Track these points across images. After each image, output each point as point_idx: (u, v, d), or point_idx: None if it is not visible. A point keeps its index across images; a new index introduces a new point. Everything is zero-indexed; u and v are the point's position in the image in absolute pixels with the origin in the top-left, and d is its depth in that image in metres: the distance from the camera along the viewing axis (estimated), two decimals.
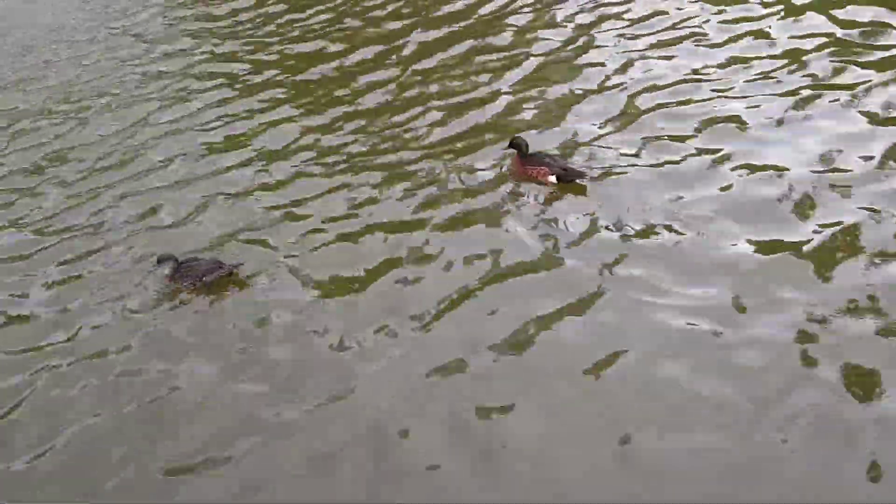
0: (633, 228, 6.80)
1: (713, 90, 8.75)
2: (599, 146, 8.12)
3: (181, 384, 6.03)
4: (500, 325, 5.97)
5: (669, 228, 6.73)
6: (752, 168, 7.32)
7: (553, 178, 7.46)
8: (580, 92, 9.28)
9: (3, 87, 12.47)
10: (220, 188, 8.63)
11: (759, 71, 8.94)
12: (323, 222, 7.71)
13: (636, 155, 7.87)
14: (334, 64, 11.21)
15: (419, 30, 11.73)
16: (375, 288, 6.70)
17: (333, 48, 11.72)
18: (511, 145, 7.81)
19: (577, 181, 7.45)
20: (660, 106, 8.64)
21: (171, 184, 8.92)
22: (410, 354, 5.89)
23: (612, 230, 6.82)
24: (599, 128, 8.45)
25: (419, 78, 10.38)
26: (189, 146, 9.66)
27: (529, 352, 5.72)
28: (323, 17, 12.98)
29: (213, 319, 6.70)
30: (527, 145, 7.73)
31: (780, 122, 7.96)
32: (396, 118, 9.50)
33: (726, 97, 8.57)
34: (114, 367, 6.32)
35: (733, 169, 7.37)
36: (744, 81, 8.81)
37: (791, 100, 8.26)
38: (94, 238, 8.14)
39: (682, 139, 7.98)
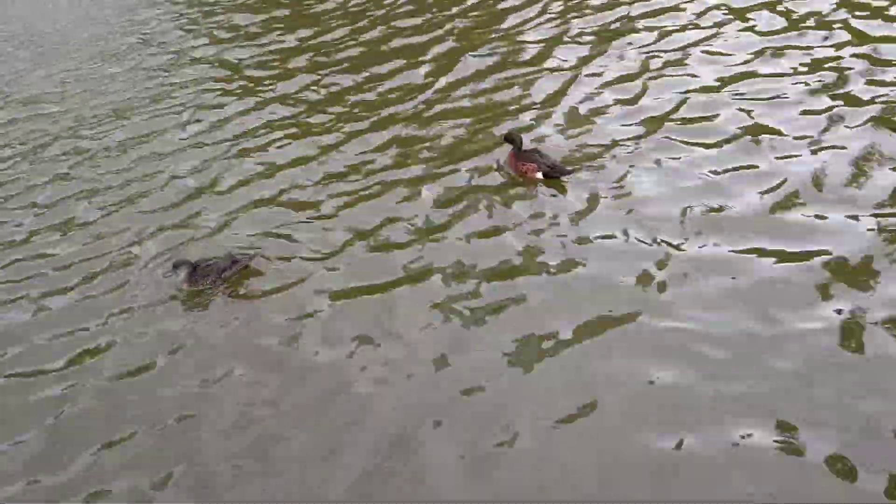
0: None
1: (729, 103, 9.17)
2: (604, 148, 8.79)
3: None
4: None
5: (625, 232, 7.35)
6: (759, 181, 7.69)
7: (540, 175, 8.19)
8: (594, 100, 9.91)
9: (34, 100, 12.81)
10: (249, 198, 9.11)
11: (783, 91, 9.27)
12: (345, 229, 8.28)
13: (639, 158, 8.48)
14: (360, 79, 11.69)
15: (445, 42, 12.28)
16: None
17: (360, 63, 12.22)
18: (506, 139, 8.52)
19: (562, 178, 8.18)
20: (673, 118, 9.15)
21: (192, 195, 9.40)
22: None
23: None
24: (608, 133, 9.08)
25: (441, 91, 10.96)
26: (215, 160, 10.07)
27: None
28: (351, 30, 13.53)
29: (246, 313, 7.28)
30: (521, 140, 8.44)
31: (799, 140, 8.15)
32: (418, 130, 10.04)
33: (741, 110, 9.01)
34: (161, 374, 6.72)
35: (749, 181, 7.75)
36: (764, 97, 9.16)
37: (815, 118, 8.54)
38: (116, 250, 8.60)
39: (690, 148, 8.55)
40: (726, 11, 11.44)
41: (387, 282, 7.15)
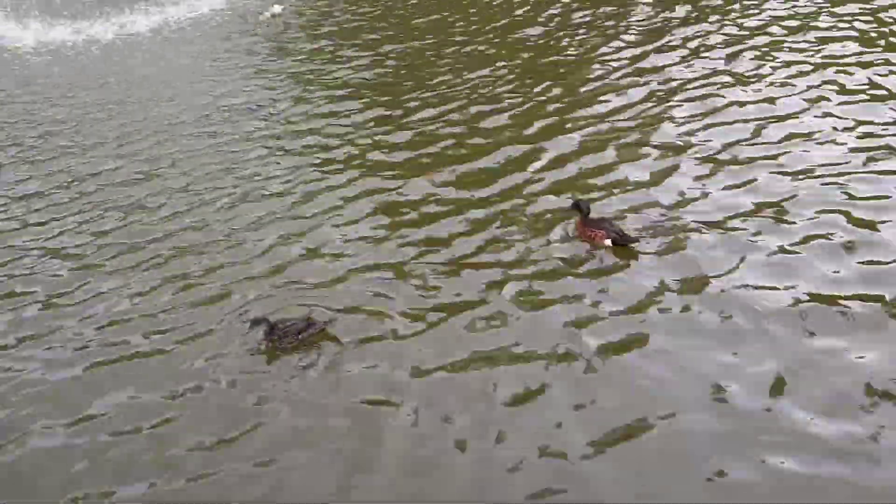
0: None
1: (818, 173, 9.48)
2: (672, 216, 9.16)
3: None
4: None
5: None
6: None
7: (608, 242, 8.40)
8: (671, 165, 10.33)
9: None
10: (342, 267, 9.48)
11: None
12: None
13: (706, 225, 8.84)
14: (460, 153, 12.02)
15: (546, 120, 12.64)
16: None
17: (459, 140, 12.49)
18: (573, 207, 8.80)
19: (630, 246, 8.36)
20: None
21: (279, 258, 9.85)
22: None
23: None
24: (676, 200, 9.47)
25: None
26: (312, 229, 10.42)
27: None
28: (448, 108, 13.78)
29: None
30: (588, 208, 8.69)
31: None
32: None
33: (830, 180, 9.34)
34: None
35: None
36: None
37: None
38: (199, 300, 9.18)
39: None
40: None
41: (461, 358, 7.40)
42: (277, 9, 20.65)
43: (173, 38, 19.98)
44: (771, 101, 11.95)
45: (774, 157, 10.31)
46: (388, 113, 13.87)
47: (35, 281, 10.02)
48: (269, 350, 8.09)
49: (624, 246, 8.41)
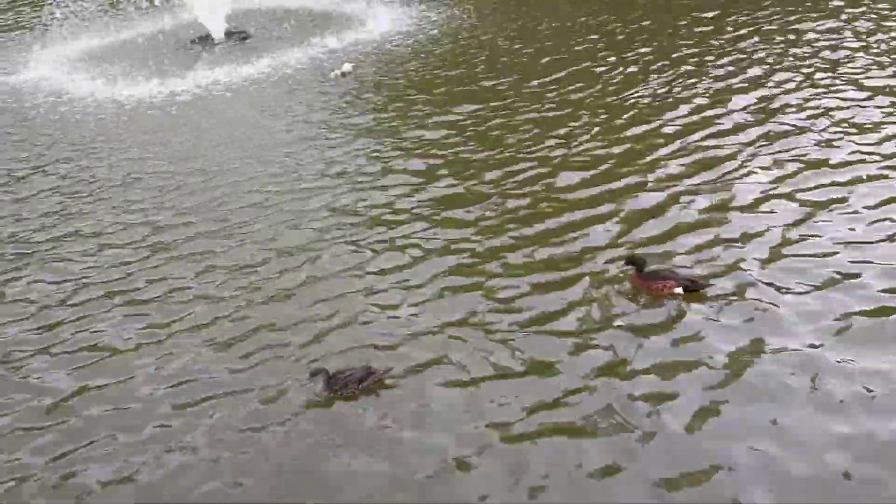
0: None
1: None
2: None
3: None
4: None
5: None
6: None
7: (679, 290, 8.15)
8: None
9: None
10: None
11: None
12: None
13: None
14: (550, 227, 11.50)
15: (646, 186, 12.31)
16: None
17: (547, 213, 12.05)
18: (628, 263, 8.55)
19: (702, 291, 8.16)
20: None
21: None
22: None
23: None
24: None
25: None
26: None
27: None
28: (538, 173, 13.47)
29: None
30: (644, 260, 8.46)
31: None
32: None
33: None
34: None
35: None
36: None
37: None
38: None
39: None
40: None
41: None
42: (348, 67, 20.80)
43: (249, 94, 20.30)
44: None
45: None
46: (460, 177, 13.63)
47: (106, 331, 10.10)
48: (329, 400, 8.07)
49: (696, 291, 8.16)
